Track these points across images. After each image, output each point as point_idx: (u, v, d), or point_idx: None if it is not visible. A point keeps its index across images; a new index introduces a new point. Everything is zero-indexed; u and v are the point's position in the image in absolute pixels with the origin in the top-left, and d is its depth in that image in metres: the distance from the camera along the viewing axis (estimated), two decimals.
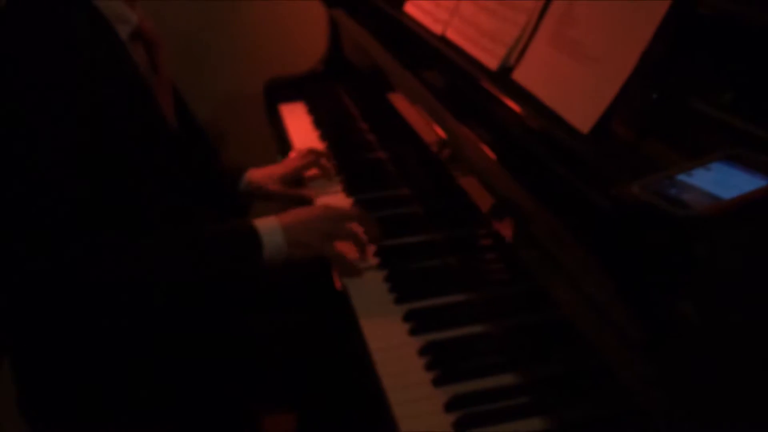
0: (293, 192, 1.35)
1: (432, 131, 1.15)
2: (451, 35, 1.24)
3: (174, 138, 1.10)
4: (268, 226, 1.02)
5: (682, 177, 0.66)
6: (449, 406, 0.84)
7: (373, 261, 1.12)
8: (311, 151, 1.40)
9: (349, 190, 1.35)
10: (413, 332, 0.97)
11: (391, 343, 0.95)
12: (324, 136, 1.59)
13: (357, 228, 1.10)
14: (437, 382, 0.88)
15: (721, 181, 0.65)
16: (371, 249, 1.13)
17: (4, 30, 0.92)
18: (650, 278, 0.60)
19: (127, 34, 1.02)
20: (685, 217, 0.60)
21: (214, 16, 2.04)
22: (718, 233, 0.59)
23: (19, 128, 0.88)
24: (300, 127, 1.66)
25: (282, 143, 1.64)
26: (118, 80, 0.98)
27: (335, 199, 1.32)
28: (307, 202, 1.31)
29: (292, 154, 1.44)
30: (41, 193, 0.88)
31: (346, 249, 1.09)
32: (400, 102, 1.40)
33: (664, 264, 0.60)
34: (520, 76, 1.02)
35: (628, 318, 0.60)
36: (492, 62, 1.09)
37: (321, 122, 1.66)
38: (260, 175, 1.34)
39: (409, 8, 1.43)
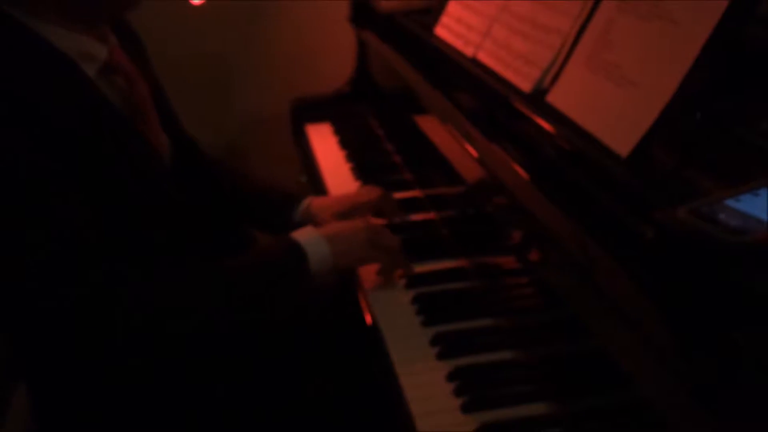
0: None
1: (461, 153, 1.14)
2: (483, 58, 1.24)
3: (167, 168, 1.06)
4: (310, 237, 1.00)
5: (730, 202, 0.64)
6: None
7: (401, 282, 1.10)
8: (375, 189, 1.30)
9: (375, 212, 1.33)
10: (441, 356, 0.95)
11: (418, 367, 0.93)
12: (350, 157, 1.59)
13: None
14: (466, 409, 0.86)
15: None
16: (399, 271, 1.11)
17: None
18: (700, 308, 0.58)
19: (96, 70, 0.96)
20: (739, 243, 0.58)
21: (244, 37, 2.07)
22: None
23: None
24: (326, 147, 1.66)
25: (307, 163, 1.64)
26: (86, 117, 0.91)
27: None
28: None
29: (358, 189, 1.37)
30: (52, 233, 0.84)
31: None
32: (426, 124, 1.39)
33: (715, 293, 0.58)
34: (555, 98, 1.01)
35: (674, 353, 0.58)
36: (526, 85, 1.07)
37: (347, 143, 1.65)
38: (321, 204, 1.27)
39: (440, 31, 1.43)
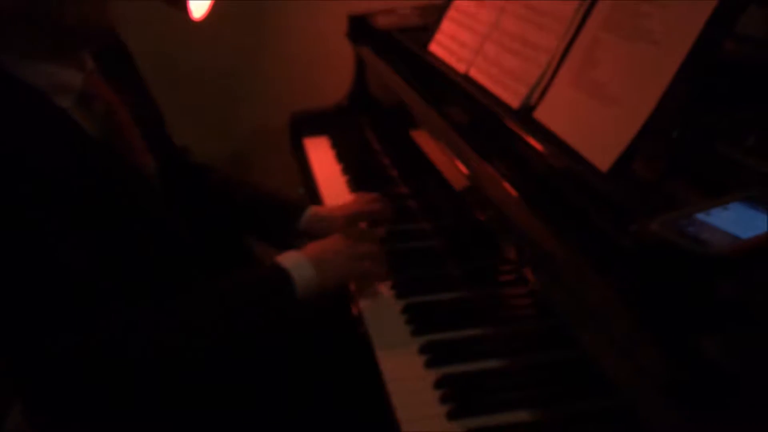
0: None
1: (453, 167, 1.16)
2: (475, 74, 1.27)
3: (155, 188, 1.06)
4: (294, 260, 1.02)
5: (700, 216, 0.67)
6: None
7: (391, 292, 1.13)
8: (376, 198, 1.34)
9: (370, 223, 1.36)
10: (429, 364, 0.97)
11: (406, 375, 0.96)
12: (346, 170, 1.62)
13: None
14: (452, 416, 0.88)
15: (739, 221, 0.66)
16: (388, 282, 1.14)
17: None
18: (670, 315, 0.60)
19: (71, 100, 0.95)
20: (704, 255, 0.61)
21: (247, 53, 2.11)
22: (738, 271, 0.59)
23: None
24: (323, 160, 1.69)
25: (305, 176, 1.67)
26: (61, 150, 0.90)
27: None
28: None
29: (356, 198, 1.39)
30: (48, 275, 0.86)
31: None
32: (422, 138, 1.42)
33: (683, 301, 0.60)
34: (541, 114, 1.04)
35: (649, 355, 0.60)
36: (514, 101, 1.11)
37: (343, 156, 1.69)
38: (326, 211, 1.30)
39: (434, 48, 1.47)
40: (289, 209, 1.28)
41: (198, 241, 1.08)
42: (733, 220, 0.66)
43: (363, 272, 1.09)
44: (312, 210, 1.28)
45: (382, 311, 1.09)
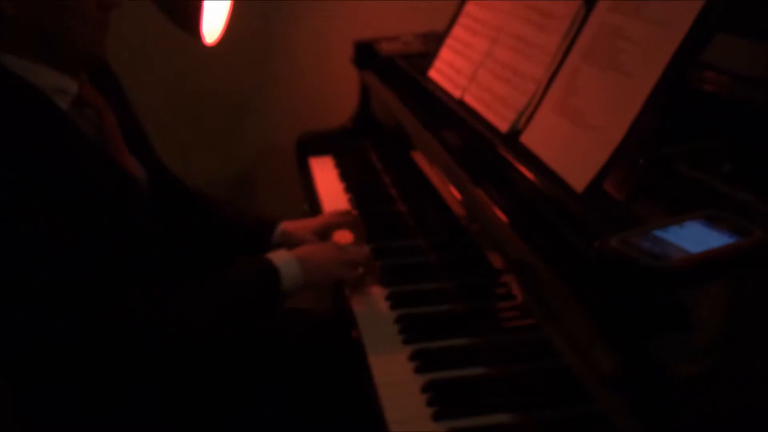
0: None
1: (448, 189, 1.24)
2: (469, 99, 1.35)
3: (143, 191, 1.15)
4: (283, 258, 1.12)
5: (658, 232, 0.74)
6: None
7: (386, 303, 1.20)
8: (347, 213, 1.47)
9: (368, 238, 1.43)
10: (418, 370, 1.04)
11: (396, 379, 1.02)
12: (348, 189, 1.69)
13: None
14: (436, 417, 0.94)
15: (692, 238, 0.72)
16: (383, 292, 1.21)
17: None
18: (621, 318, 0.67)
19: (68, 103, 1.04)
20: (654, 267, 0.68)
21: (256, 75, 2.19)
22: (684, 282, 0.66)
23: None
24: (326, 179, 1.77)
25: (309, 193, 1.75)
26: (60, 146, 0.99)
27: None
28: None
29: (327, 212, 1.51)
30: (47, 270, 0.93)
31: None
32: (421, 159, 1.50)
33: (634, 306, 0.67)
34: (527, 138, 1.11)
35: (602, 355, 0.67)
36: (503, 125, 1.18)
37: (346, 175, 1.76)
38: (295, 227, 1.39)
39: (433, 74, 1.55)
40: (262, 227, 1.37)
41: (182, 246, 1.17)
42: (687, 237, 0.73)
43: (349, 275, 1.18)
44: (282, 226, 1.37)
45: (376, 320, 1.16)
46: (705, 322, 0.67)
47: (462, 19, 1.54)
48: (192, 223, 1.28)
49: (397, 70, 1.71)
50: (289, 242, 1.33)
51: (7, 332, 0.97)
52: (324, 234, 1.38)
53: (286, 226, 1.38)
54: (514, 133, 1.14)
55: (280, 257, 1.13)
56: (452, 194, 1.21)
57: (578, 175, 0.95)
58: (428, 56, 1.60)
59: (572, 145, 0.99)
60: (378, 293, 1.23)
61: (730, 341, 0.67)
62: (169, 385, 1.04)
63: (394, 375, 1.03)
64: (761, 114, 1.05)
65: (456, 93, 1.40)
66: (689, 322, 0.65)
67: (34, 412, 1.07)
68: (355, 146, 1.92)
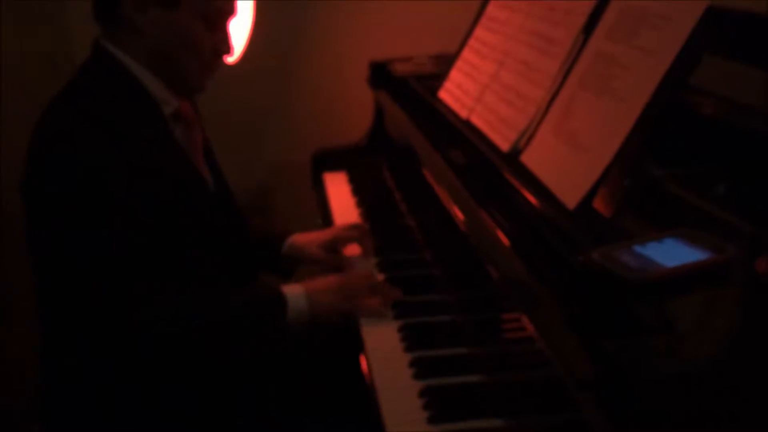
0: (331, 259, 1.45)
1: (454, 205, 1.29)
2: (475, 120, 1.41)
3: (213, 198, 1.29)
4: (293, 292, 1.19)
5: (637, 247, 0.79)
6: None
7: (390, 313, 1.25)
8: (355, 226, 1.52)
9: (377, 250, 1.49)
10: (417, 376, 1.09)
11: (396, 385, 1.08)
12: (360, 203, 1.76)
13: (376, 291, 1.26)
14: (431, 421, 0.99)
15: (668, 253, 0.77)
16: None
17: (73, 117, 1.10)
18: (597, 324, 0.72)
19: (170, 114, 1.20)
20: (630, 279, 0.73)
21: (275, 94, 2.28)
22: (657, 293, 0.71)
23: (87, 200, 1.06)
24: (340, 194, 1.84)
25: (323, 208, 1.81)
26: (159, 147, 1.16)
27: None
28: (340, 266, 1.45)
29: (337, 225, 1.58)
30: (109, 249, 1.06)
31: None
32: (431, 176, 1.55)
33: (610, 314, 0.72)
34: (526, 158, 1.17)
35: (579, 358, 0.72)
36: (505, 145, 1.24)
37: (359, 191, 1.83)
38: (303, 239, 1.46)
39: (443, 94, 1.61)
40: (273, 238, 1.48)
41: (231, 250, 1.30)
42: (664, 252, 0.78)
43: (355, 310, 1.23)
44: (291, 239, 1.46)
45: (379, 329, 1.21)
46: (680, 329, 0.71)
47: (471, 42, 1.61)
48: (233, 231, 1.38)
49: (409, 91, 1.78)
50: (298, 255, 1.42)
51: (54, 292, 1.11)
52: (332, 247, 1.45)
53: (296, 239, 1.45)
54: (516, 153, 1.20)
55: (291, 290, 1.20)
56: (457, 211, 1.26)
57: (571, 194, 1.00)
58: (440, 77, 1.67)
59: (566, 165, 1.05)
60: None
61: (702, 346, 0.71)
62: (176, 389, 1.12)
63: (394, 380, 1.08)
64: (748, 138, 1.09)
65: (463, 113, 1.46)
66: (660, 328, 0.70)
67: (55, 399, 1.17)
68: (369, 163, 1.98)
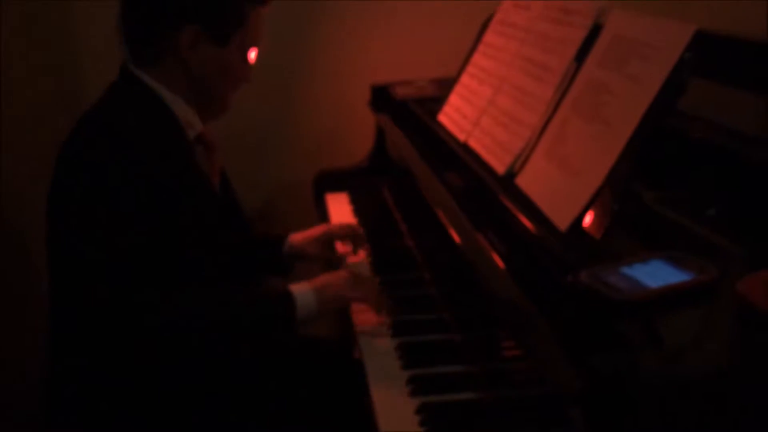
0: (327, 254, 1.58)
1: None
2: (472, 143, 1.44)
3: (221, 210, 1.36)
4: (301, 289, 1.23)
5: (623, 269, 0.82)
6: None
7: (388, 332, 1.28)
8: (349, 226, 1.63)
9: (377, 269, 1.53)
10: (414, 393, 1.12)
11: (393, 401, 1.10)
12: (360, 223, 1.79)
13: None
14: None
15: (653, 274, 0.81)
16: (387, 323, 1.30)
17: (102, 129, 1.17)
18: (584, 340, 0.75)
19: (193, 137, 1.27)
20: (617, 299, 0.76)
21: (278, 115, 2.32)
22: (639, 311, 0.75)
23: (107, 205, 1.11)
24: (341, 213, 1.87)
25: None
26: (182, 169, 1.22)
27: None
28: (336, 262, 1.59)
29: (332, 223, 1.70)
30: (121, 250, 1.10)
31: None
32: (430, 198, 1.59)
33: (594, 331, 0.75)
34: (521, 181, 1.20)
35: (566, 371, 0.75)
36: (500, 168, 1.27)
37: (360, 211, 1.87)
38: (300, 237, 1.58)
39: (442, 118, 1.65)
40: (274, 241, 1.58)
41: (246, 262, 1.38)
42: (649, 273, 0.81)
43: (358, 299, 1.28)
44: (290, 238, 1.57)
45: (378, 347, 1.24)
46: (666, 345, 0.74)
47: (470, 68, 1.65)
48: (242, 245, 1.47)
49: (409, 114, 1.82)
50: (298, 252, 1.54)
51: (66, 285, 1.15)
52: (327, 242, 1.57)
53: (293, 237, 1.56)
54: (511, 176, 1.23)
55: (298, 287, 1.24)
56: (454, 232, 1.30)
57: (563, 216, 1.03)
58: (440, 100, 1.71)
59: (559, 188, 1.08)
60: (381, 321, 1.31)
61: (687, 361, 0.74)
62: (180, 391, 1.15)
63: (392, 397, 1.11)
64: (738, 162, 1.13)
65: (461, 137, 1.50)
66: (645, 344, 0.73)
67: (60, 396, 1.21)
68: (370, 183, 2.02)
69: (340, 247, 1.61)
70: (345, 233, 1.60)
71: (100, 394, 1.15)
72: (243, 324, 1.18)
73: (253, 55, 1.33)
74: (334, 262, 1.59)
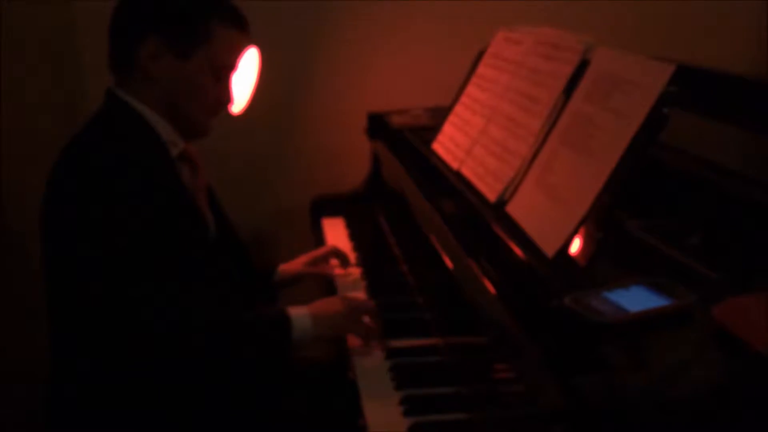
0: (314, 270, 1.69)
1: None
2: (465, 171, 1.49)
3: (212, 237, 1.39)
4: (298, 313, 1.27)
5: (605, 294, 0.87)
6: None
7: (381, 354, 1.32)
8: (332, 248, 1.74)
9: (372, 292, 1.57)
10: (406, 413, 1.15)
11: (386, 421, 1.14)
12: (356, 248, 1.83)
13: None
14: None
15: (633, 299, 0.85)
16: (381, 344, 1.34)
17: (89, 148, 1.21)
18: (567, 361, 0.79)
19: (175, 155, 1.31)
20: (597, 322, 0.80)
21: (275, 142, 2.38)
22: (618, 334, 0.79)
23: (94, 228, 1.14)
24: (337, 238, 1.92)
25: None
26: (168, 189, 1.26)
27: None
28: (324, 277, 1.71)
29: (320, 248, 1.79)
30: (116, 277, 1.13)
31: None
32: (423, 224, 1.63)
33: (575, 352, 0.79)
34: (511, 209, 1.25)
35: (556, 399, 0.79)
36: (492, 196, 1.32)
37: (355, 236, 1.91)
38: (288, 266, 1.68)
39: (436, 146, 1.70)
40: (265, 271, 1.66)
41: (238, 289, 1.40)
42: (630, 298, 0.85)
43: (354, 330, 1.32)
44: (280, 267, 1.67)
45: (371, 368, 1.28)
46: (646, 368, 0.78)
47: (463, 99, 1.71)
48: (241, 264, 1.53)
49: (404, 142, 1.87)
50: (287, 278, 1.63)
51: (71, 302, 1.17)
52: (314, 263, 1.68)
53: (282, 267, 1.66)
54: (501, 203, 1.28)
55: (296, 311, 1.28)
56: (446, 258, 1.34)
57: (550, 243, 1.08)
58: (434, 129, 1.76)
59: (547, 216, 1.13)
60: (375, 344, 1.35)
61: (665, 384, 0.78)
62: (182, 405, 1.18)
63: (385, 417, 1.15)
64: (718, 193, 1.18)
65: (454, 165, 1.55)
66: (626, 366, 0.77)
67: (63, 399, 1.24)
68: (366, 209, 2.07)
69: (332, 264, 1.72)
70: (328, 252, 1.70)
71: (100, 394, 1.18)
72: (240, 325, 1.22)
73: (233, 79, 1.36)
74: (328, 279, 1.69)
